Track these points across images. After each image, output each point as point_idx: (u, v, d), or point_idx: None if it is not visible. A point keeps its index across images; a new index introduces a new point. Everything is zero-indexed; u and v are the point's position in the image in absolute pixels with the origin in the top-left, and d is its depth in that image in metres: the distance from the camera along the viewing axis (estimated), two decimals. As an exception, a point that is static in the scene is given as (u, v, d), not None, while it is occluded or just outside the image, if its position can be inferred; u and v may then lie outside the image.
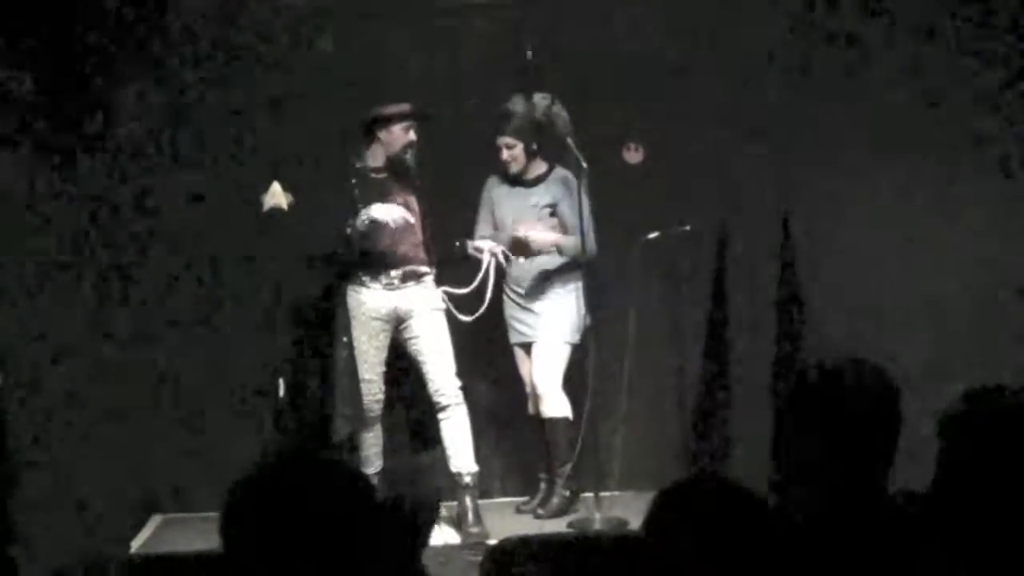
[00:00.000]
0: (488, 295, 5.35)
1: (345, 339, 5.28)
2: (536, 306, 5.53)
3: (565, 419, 5.46)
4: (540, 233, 5.47)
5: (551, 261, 5.50)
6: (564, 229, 5.50)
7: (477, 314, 5.36)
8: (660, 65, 5.75)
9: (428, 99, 5.41)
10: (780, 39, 5.72)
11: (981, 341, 5.49)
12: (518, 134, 5.47)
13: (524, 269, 5.53)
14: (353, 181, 5.27)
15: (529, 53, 5.58)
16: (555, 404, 5.45)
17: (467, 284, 5.37)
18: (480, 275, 5.34)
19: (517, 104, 5.47)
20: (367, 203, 5.25)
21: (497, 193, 5.62)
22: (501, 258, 5.40)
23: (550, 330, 5.48)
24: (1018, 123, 5.66)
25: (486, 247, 5.40)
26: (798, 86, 5.71)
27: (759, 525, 2.06)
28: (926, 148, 5.69)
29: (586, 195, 5.39)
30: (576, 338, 5.49)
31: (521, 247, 5.44)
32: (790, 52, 5.72)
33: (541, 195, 5.54)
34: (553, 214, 5.52)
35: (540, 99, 5.44)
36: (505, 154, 5.50)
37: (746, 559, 2.02)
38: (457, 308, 5.36)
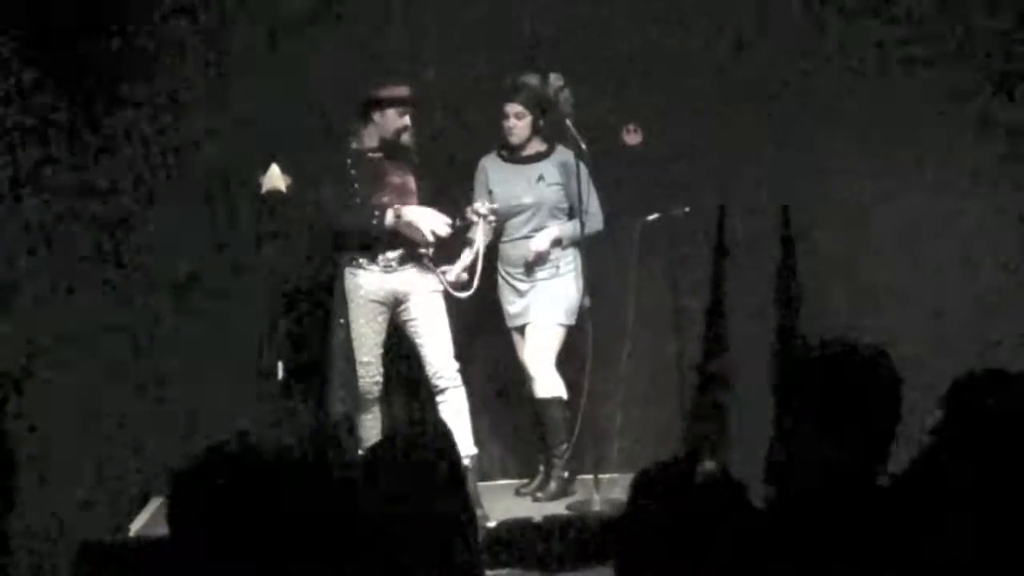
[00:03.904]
0: (479, 267, 5.31)
1: (342, 320, 5.26)
2: (529, 289, 5.53)
3: (558, 399, 5.46)
4: (543, 239, 5.45)
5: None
6: (570, 208, 5.50)
7: (471, 290, 5.34)
8: (660, 46, 5.74)
9: (425, 76, 5.40)
10: (780, 21, 5.70)
11: (981, 324, 5.49)
12: (528, 105, 5.46)
13: (518, 252, 5.52)
14: (349, 161, 5.25)
15: (528, 26, 5.59)
16: (547, 384, 5.44)
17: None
18: (474, 247, 5.31)
19: (531, 78, 5.47)
20: (363, 184, 5.23)
21: (494, 171, 5.60)
22: (491, 217, 5.31)
23: (542, 312, 5.48)
24: (1019, 108, 5.66)
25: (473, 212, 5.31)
26: (798, 68, 5.69)
27: (731, 508, 2.06)
28: (926, 131, 5.68)
29: (587, 177, 5.38)
30: (571, 320, 5.49)
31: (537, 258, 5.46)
32: (790, 34, 5.70)
33: (546, 170, 5.52)
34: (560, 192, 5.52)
35: (555, 79, 5.44)
36: (511, 122, 5.48)
37: (718, 541, 2.02)
38: (456, 287, 5.34)
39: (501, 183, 5.57)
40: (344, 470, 2.20)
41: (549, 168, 5.53)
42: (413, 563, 2.17)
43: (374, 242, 5.21)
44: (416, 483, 2.24)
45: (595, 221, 5.49)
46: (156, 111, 5.60)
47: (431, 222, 5.16)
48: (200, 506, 2.03)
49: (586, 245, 5.40)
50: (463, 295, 5.33)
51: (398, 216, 5.15)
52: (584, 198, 5.35)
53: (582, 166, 5.36)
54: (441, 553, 2.20)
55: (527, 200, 5.50)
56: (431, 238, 5.16)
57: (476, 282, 5.34)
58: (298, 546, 2.04)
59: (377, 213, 5.16)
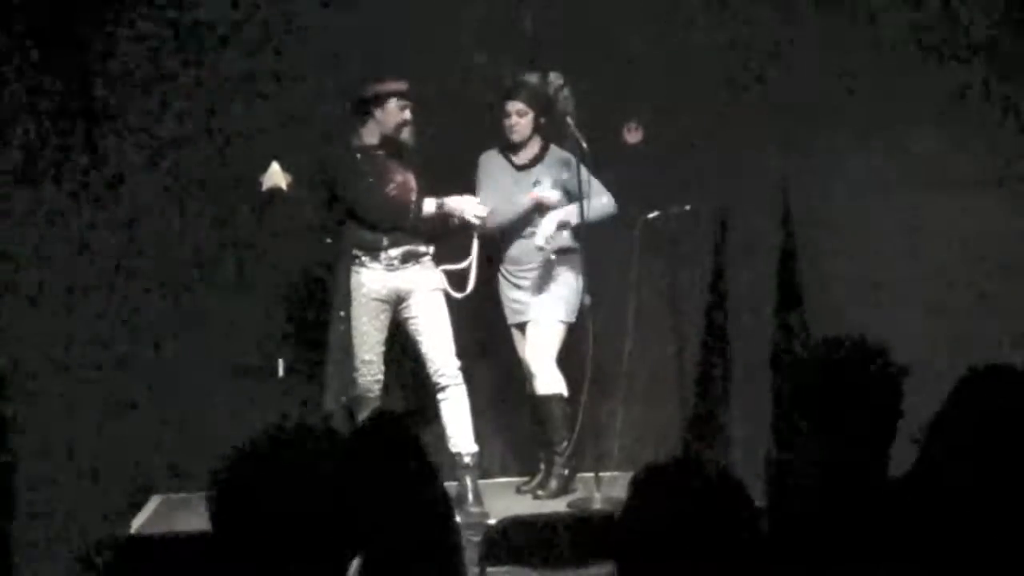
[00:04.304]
0: (475, 268, 5.34)
1: (342, 313, 5.26)
2: (531, 286, 5.52)
3: (559, 396, 5.45)
4: (550, 222, 5.44)
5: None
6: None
7: (468, 291, 5.35)
8: (660, 45, 5.74)
9: (426, 74, 5.40)
10: (780, 17, 5.71)
11: (982, 323, 5.49)
12: (531, 103, 5.45)
13: (520, 250, 5.52)
14: (359, 156, 5.25)
15: (528, 25, 5.59)
16: (547, 381, 5.44)
17: (462, 261, 5.37)
18: (473, 250, 5.33)
19: (532, 76, 5.47)
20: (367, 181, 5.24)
21: (494, 172, 5.59)
22: (475, 219, 5.30)
23: (543, 309, 5.48)
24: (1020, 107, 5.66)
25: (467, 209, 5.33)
26: (799, 65, 5.69)
27: (735, 509, 2.06)
28: (928, 127, 5.69)
29: (588, 173, 5.37)
30: (572, 317, 5.48)
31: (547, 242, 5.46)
32: (791, 30, 5.70)
33: (541, 174, 5.52)
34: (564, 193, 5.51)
35: (555, 77, 5.45)
36: (512, 120, 5.47)
37: (718, 541, 2.02)
38: (455, 287, 5.35)
39: (500, 186, 5.55)
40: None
41: (544, 171, 5.53)
42: (391, 555, 2.16)
43: (404, 232, 5.21)
44: (385, 474, 2.23)
45: (608, 206, 5.47)
46: (155, 110, 5.61)
47: (473, 208, 5.24)
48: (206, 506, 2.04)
49: (605, 225, 5.42)
50: (461, 294, 5.34)
51: (440, 205, 5.20)
52: (585, 194, 5.34)
53: (580, 165, 5.36)
54: (419, 544, 2.20)
55: (523, 204, 5.50)
56: (477, 223, 5.24)
57: (473, 281, 5.35)
58: (293, 543, 2.04)
59: (415, 199, 5.18)
